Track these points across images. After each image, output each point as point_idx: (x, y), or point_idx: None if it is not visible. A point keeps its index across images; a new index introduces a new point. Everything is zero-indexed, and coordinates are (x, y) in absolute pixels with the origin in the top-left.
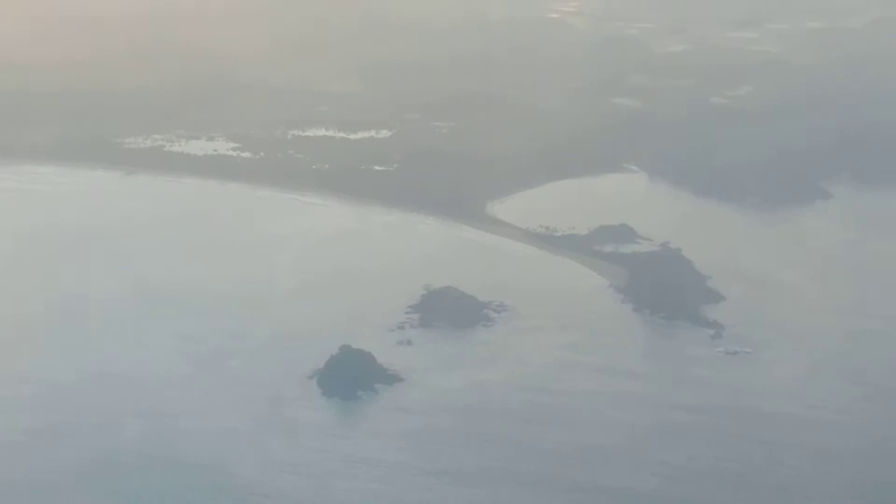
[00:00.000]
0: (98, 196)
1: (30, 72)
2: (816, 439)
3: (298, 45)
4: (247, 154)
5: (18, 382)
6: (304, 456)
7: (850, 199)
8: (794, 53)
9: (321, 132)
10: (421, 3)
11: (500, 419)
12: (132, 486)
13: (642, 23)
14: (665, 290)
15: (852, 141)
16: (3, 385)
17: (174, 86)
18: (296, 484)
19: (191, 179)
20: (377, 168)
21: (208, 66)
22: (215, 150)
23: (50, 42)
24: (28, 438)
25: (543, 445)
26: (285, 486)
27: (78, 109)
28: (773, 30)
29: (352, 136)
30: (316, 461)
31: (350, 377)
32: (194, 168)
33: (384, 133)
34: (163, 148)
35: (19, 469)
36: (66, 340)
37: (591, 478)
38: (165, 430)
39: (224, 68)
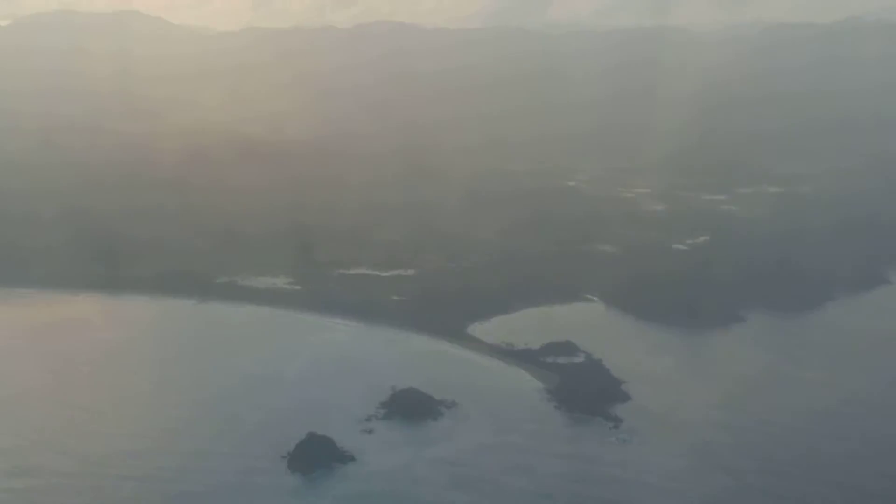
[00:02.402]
0: (172, 318)
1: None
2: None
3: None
4: (298, 287)
5: None
6: None
7: (761, 325)
8: (749, 211)
9: (361, 271)
10: (464, 168)
11: (420, 485)
12: None
13: (640, 189)
14: (584, 392)
15: (770, 276)
16: None
17: (255, 233)
18: None
19: (249, 306)
20: (394, 298)
21: (287, 220)
22: (275, 284)
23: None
24: None
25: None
26: None
27: (181, 251)
28: (740, 193)
29: (383, 274)
30: None
31: (312, 456)
32: (255, 297)
33: (410, 271)
34: (236, 282)
35: None
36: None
37: None
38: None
39: (296, 221)
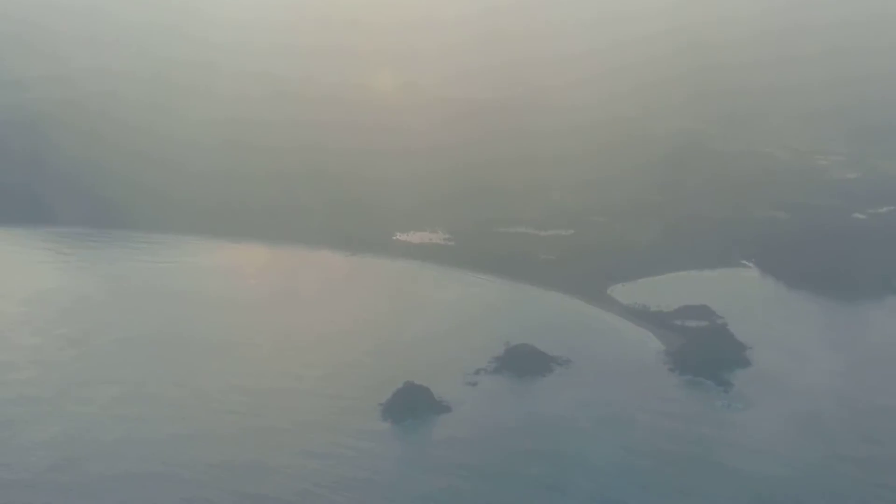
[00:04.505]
0: (320, 269)
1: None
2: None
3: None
4: (453, 243)
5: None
6: (334, 450)
7: None
8: None
9: (520, 229)
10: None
11: (507, 434)
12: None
13: (836, 156)
14: (702, 355)
15: None
16: None
17: (421, 188)
18: (316, 464)
19: (402, 260)
20: (544, 257)
21: (454, 173)
22: (431, 240)
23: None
24: None
25: (515, 448)
26: (307, 465)
27: (342, 205)
28: None
29: (541, 233)
30: (336, 452)
31: (406, 405)
32: (408, 252)
33: (569, 231)
34: (392, 237)
35: None
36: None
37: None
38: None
39: (470, 177)
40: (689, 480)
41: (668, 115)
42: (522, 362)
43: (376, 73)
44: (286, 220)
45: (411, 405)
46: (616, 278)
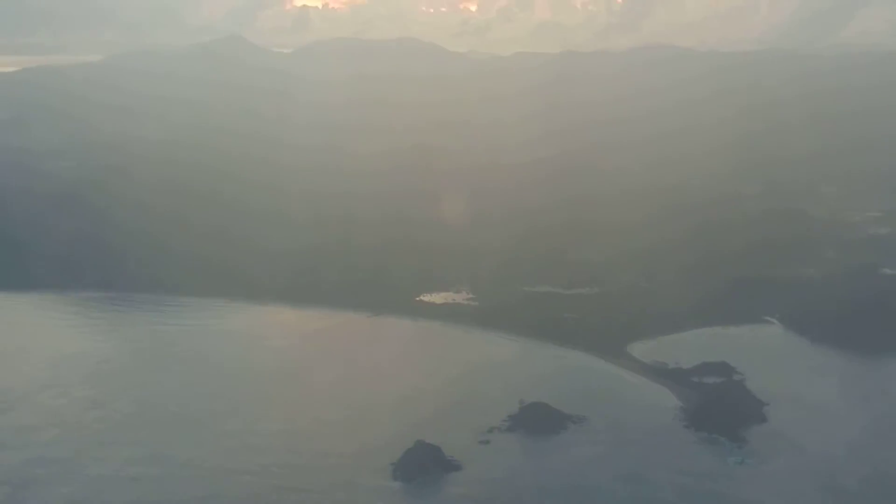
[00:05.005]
0: (340, 331)
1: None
2: None
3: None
4: (476, 303)
5: None
6: None
7: None
8: None
9: (545, 289)
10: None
11: (519, 492)
12: None
13: (871, 212)
14: (719, 412)
15: None
16: None
17: (448, 249)
18: None
19: (424, 321)
20: (566, 315)
21: (485, 239)
22: (454, 300)
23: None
24: None
25: None
26: None
27: (370, 264)
28: None
29: (566, 292)
30: None
31: (417, 463)
32: (430, 313)
33: (594, 290)
34: (414, 297)
35: None
36: None
37: None
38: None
39: (497, 237)
40: None
41: (699, 172)
42: (536, 420)
43: (402, 139)
44: (310, 283)
45: (422, 464)
46: (637, 336)
